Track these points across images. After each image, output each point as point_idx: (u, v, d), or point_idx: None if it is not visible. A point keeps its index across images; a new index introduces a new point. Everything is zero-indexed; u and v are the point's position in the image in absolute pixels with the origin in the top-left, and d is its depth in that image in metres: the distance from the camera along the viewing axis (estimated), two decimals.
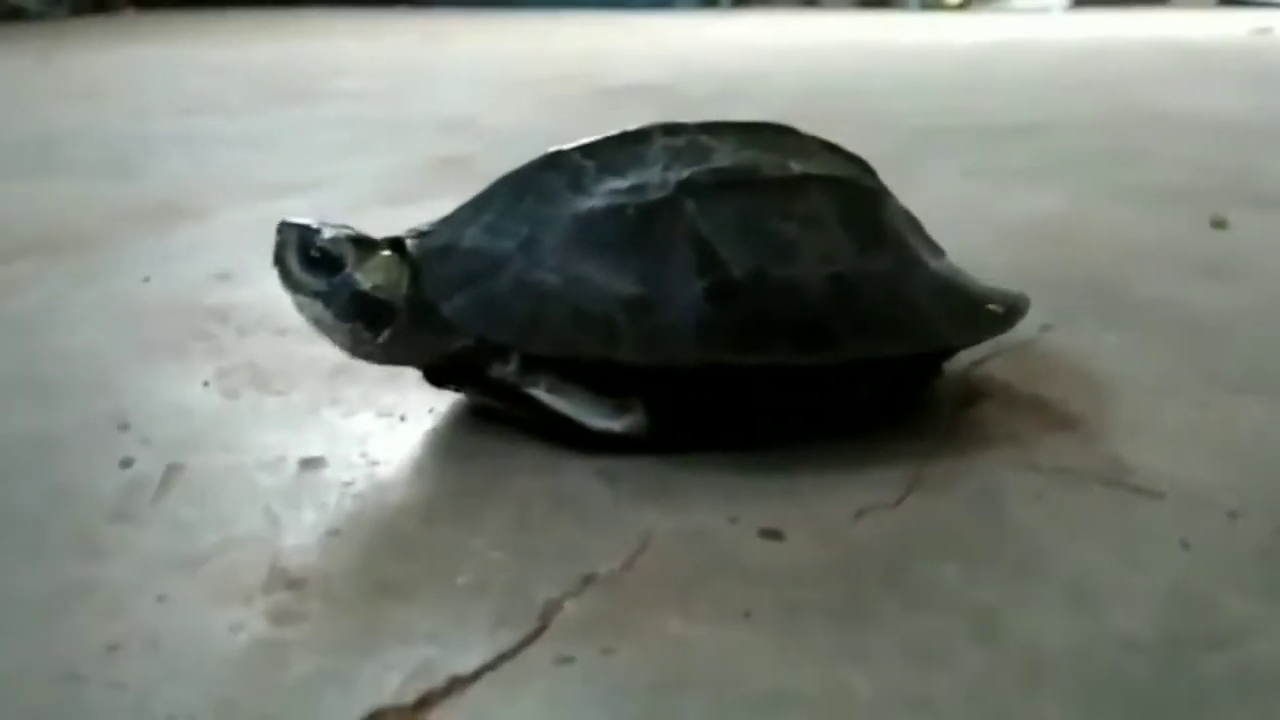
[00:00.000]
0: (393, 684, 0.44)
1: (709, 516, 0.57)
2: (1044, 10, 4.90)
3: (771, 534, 0.55)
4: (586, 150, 0.66)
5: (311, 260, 0.62)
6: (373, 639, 0.47)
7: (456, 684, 0.44)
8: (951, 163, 1.44)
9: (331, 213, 1.18)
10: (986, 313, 0.66)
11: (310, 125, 1.84)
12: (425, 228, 0.65)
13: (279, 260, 0.62)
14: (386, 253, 0.63)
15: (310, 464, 0.63)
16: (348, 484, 0.61)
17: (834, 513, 0.57)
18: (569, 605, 0.49)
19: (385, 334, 0.62)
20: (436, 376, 0.66)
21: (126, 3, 5.21)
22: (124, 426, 0.67)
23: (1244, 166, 1.45)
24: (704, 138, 0.67)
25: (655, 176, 0.63)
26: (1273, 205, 1.23)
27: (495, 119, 1.90)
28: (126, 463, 0.63)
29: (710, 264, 0.61)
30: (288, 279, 0.63)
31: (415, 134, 1.76)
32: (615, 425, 0.62)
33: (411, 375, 0.69)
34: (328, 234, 0.62)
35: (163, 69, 2.67)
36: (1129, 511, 0.58)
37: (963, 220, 1.11)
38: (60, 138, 1.73)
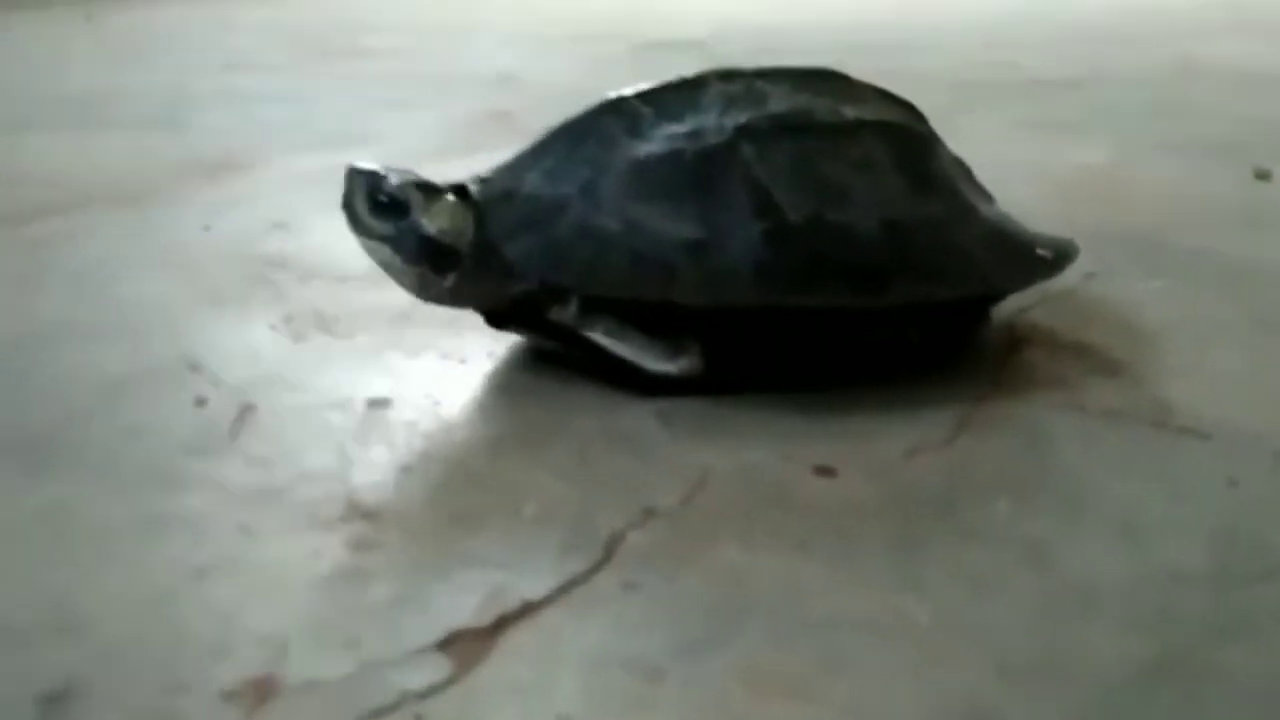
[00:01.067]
0: (469, 607, 0.46)
1: (764, 455, 0.59)
2: None
3: (825, 471, 0.57)
4: (644, 96, 0.67)
5: (379, 205, 0.63)
6: (447, 566, 0.49)
7: (529, 608, 0.46)
8: (995, 116, 1.44)
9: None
10: (1036, 258, 0.67)
11: (352, 81, 1.85)
12: (486, 174, 0.66)
13: (347, 205, 0.64)
14: (451, 198, 0.64)
15: (377, 404, 0.65)
16: (414, 423, 0.63)
17: (886, 451, 0.59)
18: (632, 536, 0.51)
19: (451, 278, 0.64)
20: (498, 320, 0.68)
21: None
22: (195, 368, 0.70)
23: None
24: (759, 83, 0.68)
25: (712, 122, 0.65)
26: None
27: (535, 75, 1.91)
28: (200, 401, 0.65)
29: (766, 208, 0.62)
30: (356, 223, 0.64)
31: (457, 89, 1.76)
32: (671, 367, 0.64)
33: (472, 320, 0.71)
34: (394, 179, 0.64)
35: (204, 27, 2.68)
36: (1176, 451, 0.59)
37: (1007, 173, 1.10)
38: (105, 93, 1.75)
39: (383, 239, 0.64)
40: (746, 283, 0.61)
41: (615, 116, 0.66)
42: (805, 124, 0.65)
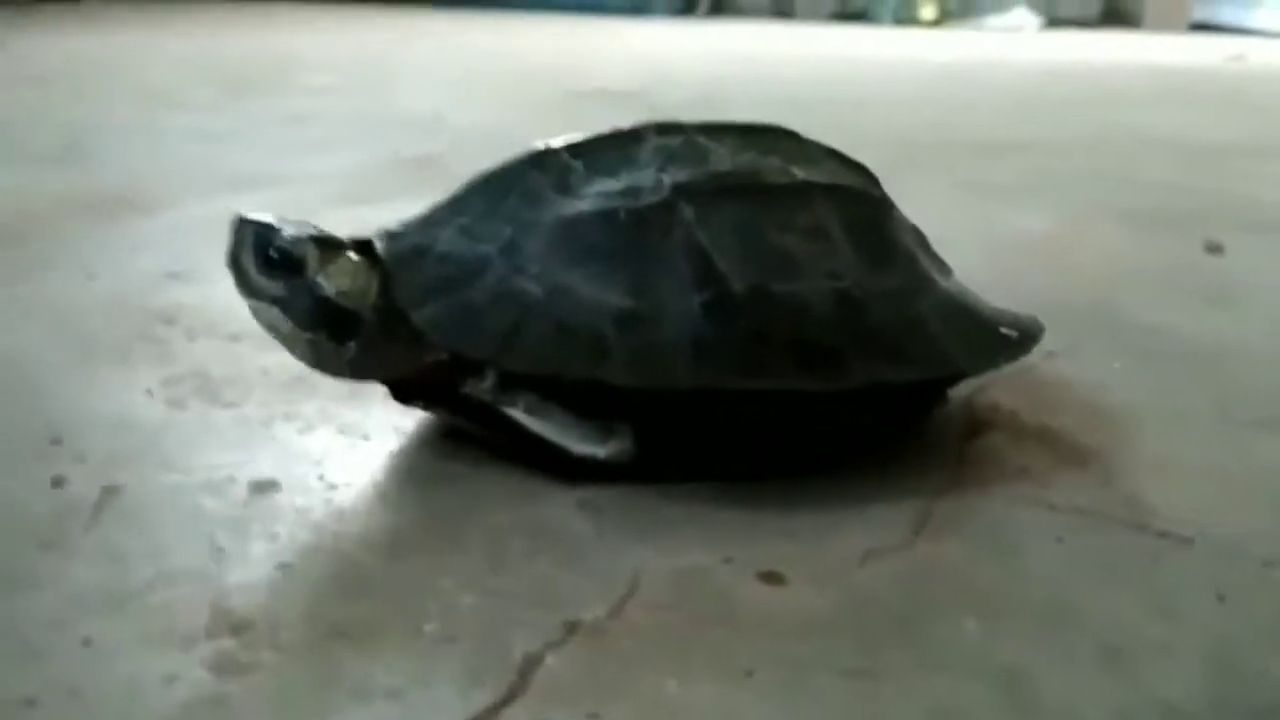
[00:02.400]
0: None
1: (702, 556, 0.52)
2: (1018, 29, 4.89)
3: (771, 577, 0.50)
4: (574, 149, 0.60)
5: (270, 261, 0.56)
6: (326, 695, 0.42)
7: None
8: (936, 179, 1.40)
9: (292, 211, 1.13)
10: (1000, 337, 0.62)
11: (272, 120, 1.77)
12: (395, 228, 0.59)
13: (234, 260, 0.57)
14: (353, 255, 0.57)
15: (262, 487, 0.57)
16: (303, 511, 0.55)
17: (837, 555, 0.52)
18: (550, 659, 0.44)
19: (351, 346, 0.57)
20: (404, 393, 0.60)
21: None
22: (56, 441, 0.61)
23: (1230, 190, 1.42)
24: (701, 139, 0.62)
25: (649, 179, 0.58)
26: (1265, 230, 1.19)
27: (462, 118, 1.85)
28: (58, 482, 0.57)
29: (708, 277, 0.56)
30: (243, 281, 0.57)
31: (380, 131, 1.69)
32: (599, 451, 0.57)
33: (376, 390, 0.63)
34: (288, 233, 0.56)
35: (124, 59, 2.59)
36: (1157, 559, 0.53)
37: (952, 237, 1.06)
38: (8, 123, 1.66)
39: (272, 300, 0.56)
40: (684, 362, 0.54)
41: (541, 170, 0.59)
42: (751, 185, 0.59)
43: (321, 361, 0.58)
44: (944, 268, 0.66)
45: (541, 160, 0.60)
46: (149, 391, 0.68)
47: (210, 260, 0.93)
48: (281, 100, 2.01)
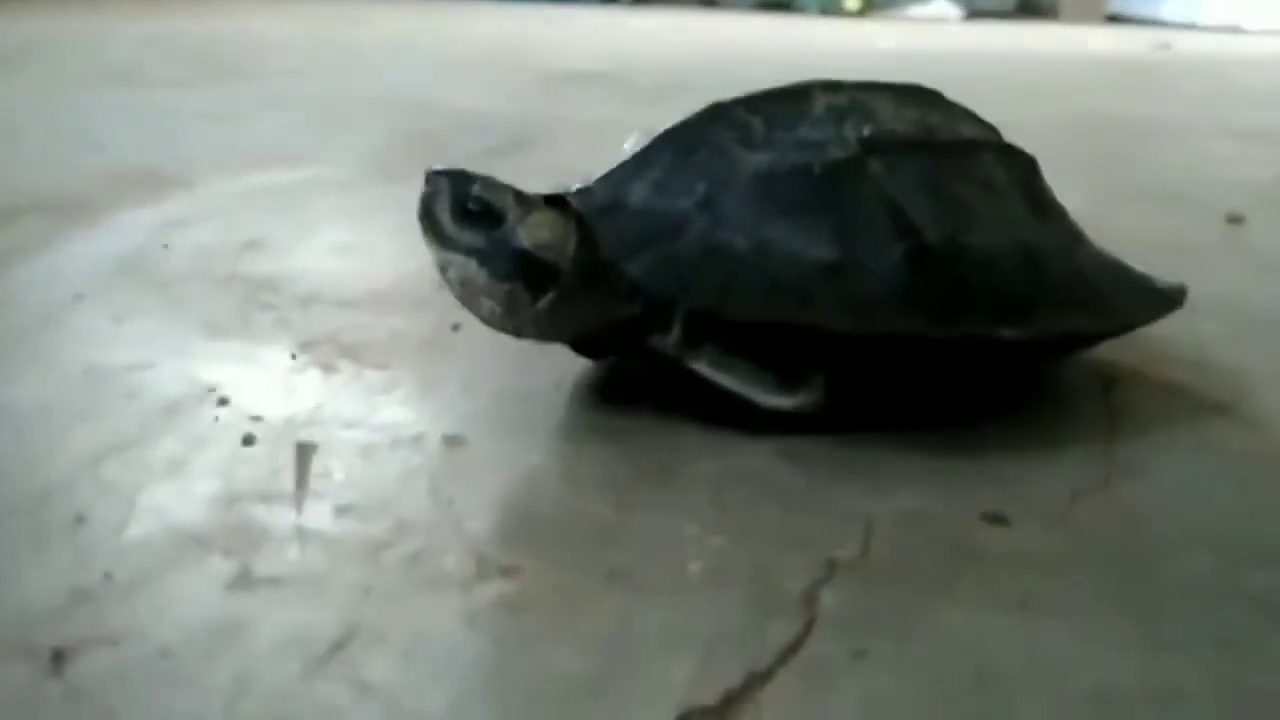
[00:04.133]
0: (682, 683, 0.39)
1: (920, 500, 0.53)
2: (941, 20, 4.99)
3: (995, 518, 0.51)
4: (749, 105, 0.61)
5: (467, 213, 0.55)
6: (634, 635, 0.42)
7: (755, 680, 0.39)
8: None
9: (329, 186, 1.11)
10: (1157, 291, 0.64)
11: (259, 101, 1.73)
12: (585, 185, 0.59)
13: (427, 213, 0.56)
14: (550, 209, 0.57)
15: (454, 441, 0.57)
16: (508, 463, 0.55)
17: (1047, 495, 0.54)
18: (825, 594, 0.45)
19: (547, 298, 0.56)
20: (588, 348, 0.60)
21: None
22: (224, 401, 0.60)
23: (1218, 169, 1.47)
24: (862, 96, 0.63)
25: (830, 134, 0.59)
26: (1273, 203, 1.24)
27: (452, 100, 1.82)
28: (248, 440, 0.56)
29: (904, 228, 0.57)
30: (437, 234, 0.56)
31: (377, 112, 1.67)
32: (787, 402, 0.58)
33: (511, 348, 0.62)
34: (481, 184, 0.56)
35: (80, 41, 2.50)
36: None
37: None
38: None
39: (469, 252, 0.56)
40: (892, 310, 0.55)
41: (724, 126, 0.60)
42: (927, 140, 0.60)
43: (511, 315, 0.57)
44: None
45: (721, 116, 0.60)
46: (293, 355, 0.67)
47: (282, 230, 0.92)
48: (260, 82, 1.97)
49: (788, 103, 0.61)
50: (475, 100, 1.83)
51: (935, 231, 0.57)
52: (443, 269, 0.57)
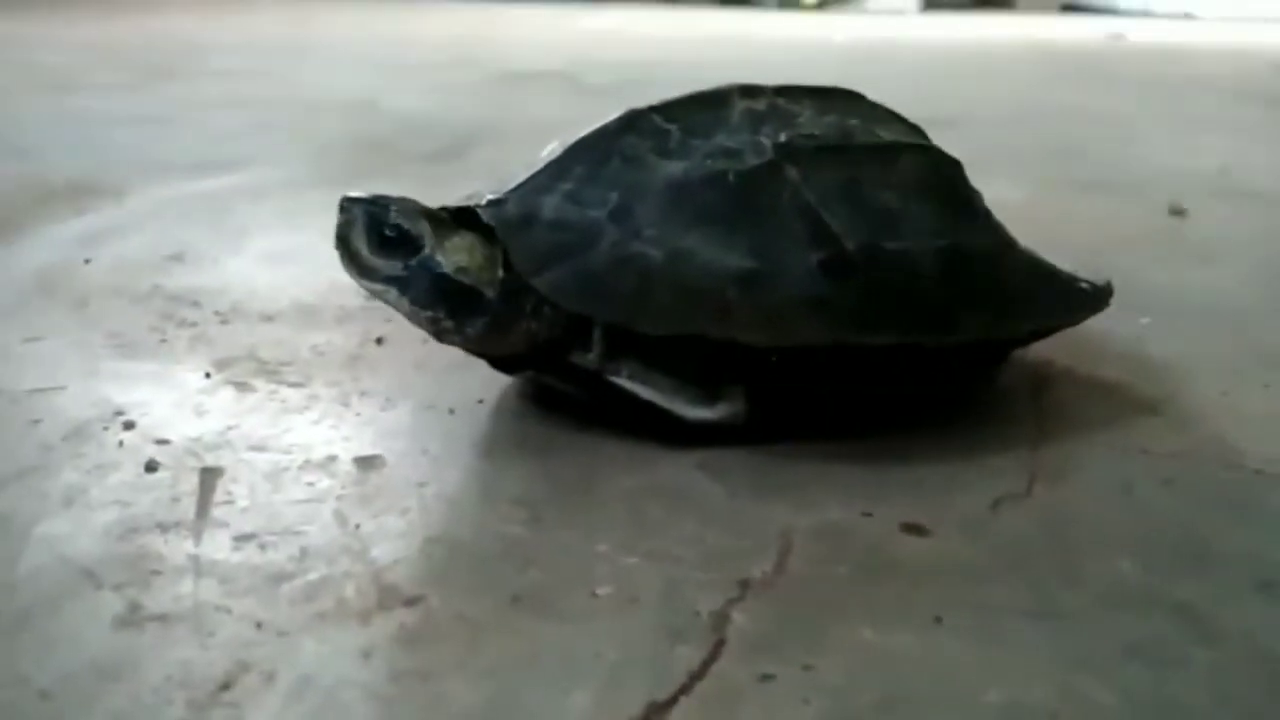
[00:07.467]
0: (579, 714, 0.38)
1: (840, 512, 0.52)
2: (899, 12, 5.00)
3: (914, 529, 0.51)
4: (665, 112, 0.60)
5: (385, 240, 0.54)
6: (535, 664, 0.40)
7: (655, 709, 0.38)
8: None
9: (266, 192, 1.09)
10: (1082, 292, 0.63)
11: (199, 104, 1.71)
12: (495, 196, 0.57)
13: (343, 242, 0.54)
14: (470, 232, 0.55)
15: (368, 463, 0.55)
16: (421, 484, 0.53)
17: (968, 504, 0.53)
18: (737, 615, 0.44)
19: (478, 324, 0.55)
20: (509, 365, 0.59)
21: None
22: (130, 425, 0.58)
23: (1168, 161, 1.47)
24: (781, 101, 0.62)
25: (746, 141, 0.58)
26: (1218, 195, 1.24)
27: (397, 101, 1.81)
28: (151, 466, 0.54)
29: (821, 236, 0.56)
30: (355, 263, 0.55)
31: (315, 114, 1.65)
32: (710, 413, 0.57)
33: (436, 362, 0.61)
34: (397, 210, 0.54)
35: (12, 46, 2.46)
36: (1266, 495, 0.55)
37: None
38: None
39: (389, 280, 0.54)
40: (809, 320, 0.54)
41: (638, 134, 0.58)
42: (845, 145, 0.59)
43: (443, 337, 0.57)
44: None
45: (635, 124, 0.59)
46: (207, 374, 0.65)
47: (207, 241, 0.91)
48: (200, 84, 1.95)
49: (705, 109, 0.60)
50: (421, 101, 1.81)
51: (853, 239, 0.56)
52: (372, 297, 0.56)
